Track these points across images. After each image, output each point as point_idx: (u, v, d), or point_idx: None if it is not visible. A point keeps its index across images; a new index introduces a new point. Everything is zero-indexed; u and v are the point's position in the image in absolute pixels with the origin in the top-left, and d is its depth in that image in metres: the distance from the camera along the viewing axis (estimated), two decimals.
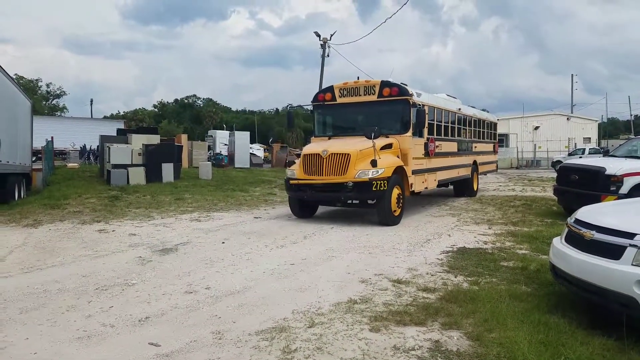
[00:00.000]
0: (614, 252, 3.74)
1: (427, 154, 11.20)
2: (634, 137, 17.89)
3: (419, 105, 10.34)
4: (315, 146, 10.01)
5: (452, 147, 13.24)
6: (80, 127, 36.29)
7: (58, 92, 68.62)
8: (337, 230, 8.85)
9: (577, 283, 4.03)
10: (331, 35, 29.64)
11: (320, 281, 5.51)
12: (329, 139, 10.72)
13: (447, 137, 12.83)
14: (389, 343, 3.76)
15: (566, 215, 7.59)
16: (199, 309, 4.59)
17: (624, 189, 8.68)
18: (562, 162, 21.22)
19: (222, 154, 31.67)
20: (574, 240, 4.26)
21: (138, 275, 5.78)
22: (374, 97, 10.40)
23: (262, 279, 5.63)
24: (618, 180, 8.78)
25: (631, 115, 59.99)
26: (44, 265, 6.32)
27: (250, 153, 32.62)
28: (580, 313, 4.21)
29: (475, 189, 15.38)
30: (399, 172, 9.68)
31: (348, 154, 9.17)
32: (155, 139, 19.27)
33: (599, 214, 4.52)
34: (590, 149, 35.74)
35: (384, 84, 10.36)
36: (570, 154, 35.33)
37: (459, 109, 14.19)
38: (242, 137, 31.54)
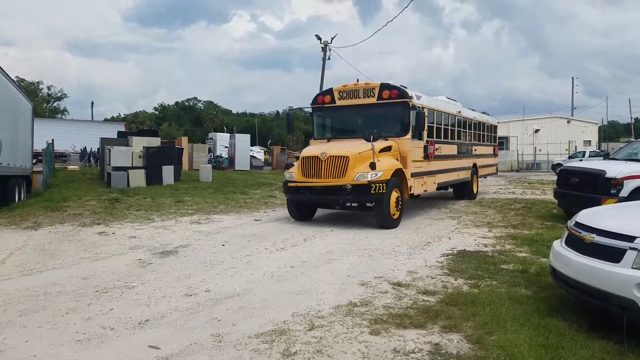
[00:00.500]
0: (614, 255, 3.73)
1: (427, 156, 11.15)
2: (634, 140, 17.91)
3: (419, 107, 10.31)
4: (314, 149, 9.99)
5: (451, 149, 13.23)
6: (81, 130, 36.34)
7: (59, 94, 68.82)
8: (337, 233, 8.85)
9: (578, 286, 4.03)
10: (332, 39, 29.76)
11: (320, 284, 5.50)
12: (328, 141, 10.67)
13: (446, 140, 12.78)
14: (389, 346, 3.75)
15: (566, 218, 7.56)
16: (198, 312, 4.59)
17: (624, 192, 8.68)
18: (562, 165, 21.23)
19: (222, 157, 31.71)
20: (574, 243, 4.26)
21: (138, 278, 5.78)
22: (373, 100, 10.37)
23: (262, 282, 5.62)
24: (618, 183, 8.79)
25: (631, 118, 60.12)
26: (43, 267, 6.32)
27: (251, 156, 32.65)
28: (581, 316, 4.20)
29: (475, 191, 15.35)
30: (398, 175, 9.64)
31: (347, 157, 9.14)
32: (155, 142, 19.30)
33: (599, 217, 4.52)
34: (590, 152, 35.72)
35: (384, 86, 10.34)
36: (570, 157, 35.32)
37: (459, 112, 14.14)
38: (243, 139, 31.57)
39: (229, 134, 39.33)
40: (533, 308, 4.48)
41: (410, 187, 10.23)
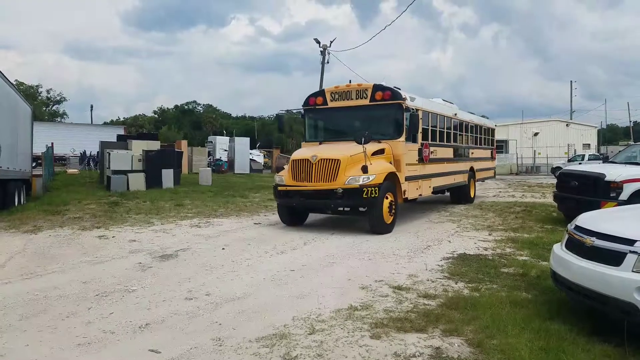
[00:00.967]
0: (615, 259, 3.74)
1: (422, 160, 10.95)
2: (633, 143, 17.94)
3: (412, 109, 10.08)
4: (305, 151, 9.77)
5: (447, 153, 13.01)
6: (80, 133, 36.38)
7: (58, 98, 68.87)
8: (337, 237, 8.85)
9: (578, 289, 4.03)
10: (331, 42, 29.79)
11: (321, 287, 5.50)
12: (320, 144, 10.45)
13: (442, 143, 12.57)
14: (390, 350, 3.75)
15: (566, 222, 7.59)
16: (199, 316, 4.59)
17: (624, 196, 8.69)
18: (561, 168, 21.24)
19: (222, 160, 31.72)
20: (575, 246, 4.26)
21: (138, 282, 5.77)
22: (366, 101, 10.14)
23: (262, 286, 5.62)
24: (618, 186, 8.79)
25: (630, 121, 60.15)
26: (43, 271, 6.31)
27: (250, 159, 32.68)
28: (581, 320, 4.20)
29: (472, 196, 15.11)
30: (392, 178, 9.42)
31: (338, 160, 8.90)
32: (155, 145, 19.33)
33: (599, 220, 4.53)
34: (589, 155, 35.76)
35: (377, 87, 10.11)
36: (569, 160, 35.36)
37: (455, 114, 13.92)
38: (242, 143, 31.59)
39: (228, 138, 39.37)
40: (534, 312, 4.48)
41: (405, 191, 10.00)
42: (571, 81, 61.75)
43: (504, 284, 5.55)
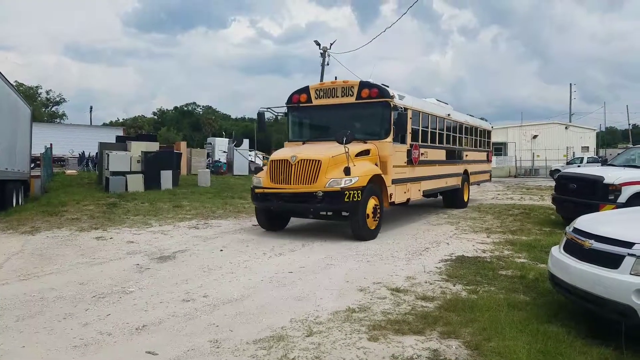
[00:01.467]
0: (613, 261, 3.74)
1: (411, 161, 10.46)
2: (632, 146, 17.96)
3: (401, 108, 9.59)
4: (285, 151, 9.30)
5: (439, 155, 12.53)
6: (80, 134, 36.35)
7: (58, 99, 68.81)
8: (335, 238, 8.84)
9: (576, 292, 4.03)
10: (331, 44, 29.77)
11: (319, 289, 5.49)
12: (304, 143, 9.97)
13: (434, 144, 12.08)
14: (388, 352, 3.74)
15: (564, 224, 7.59)
16: (196, 317, 4.58)
17: (622, 198, 8.70)
18: (560, 170, 21.26)
19: (220, 162, 31.70)
20: (573, 249, 4.26)
21: (136, 283, 5.76)
22: (352, 99, 9.65)
23: (260, 287, 5.61)
24: (616, 189, 8.80)
25: (629, 124, 60.24)
26: (41, 272, 6.30)
27: (249, 160, 32.66)
28: (579, 322, 4.20)
29: (465, 200, 14.58)
30: (377, 181, 8.92)
31: (319, 161, 8.36)
32: (154, 147, 19.31)
33: (598, 223, 4.52)
34: (588, 158, 35.81)
35: (363, 84, 9.62)
36: (568, 163, 35.40)
37: (448, 115, 13.39)
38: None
39: (227, 139, 39.35)
40: (531, 314, 4.48)
41: (391, 195, 9.49)
42: (570, 84, 61.82)
43: (502, 286, 5.55)
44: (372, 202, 8.65)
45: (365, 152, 9.14)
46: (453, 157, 13.60)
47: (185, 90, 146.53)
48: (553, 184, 12.11)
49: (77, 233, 9.09)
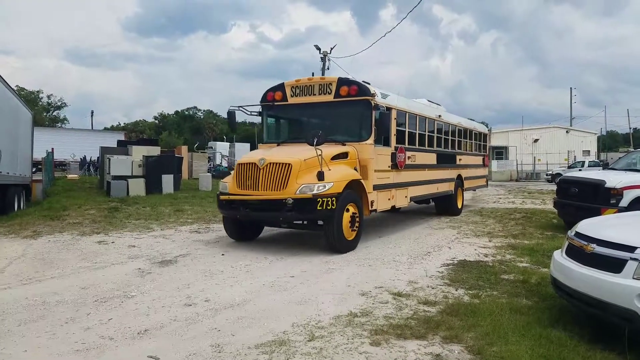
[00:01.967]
0: (615, 266, 3.73)
1: (396, 165, 9.67)
2: (633, 150, 17.96)
3: (383, 107, 8.77)
4: (253, 154, 8.56)
5: (429, 158, 11.74)
6: (81, 139, 36.45)
7: (59, 103, 69.04)
8: None
9: (578, 296, 4.02)
10: (331, 49, 29.81)
11: (321, 294, 5.48)
12: (278, 145, 9.25)
13: (423, 147, 11.28)
14: (390, 357, 3.74)
15: (566, 228, 7.59)
16: (198, 322, 4.57)
17: (624, 202, 8.69)
18: (561, 174, 21.25)
19: (222, 166, 31.75)
20: (575, 253, 4.26)
21: (137, 288, 5.76)
22: (330, 97, 8.84)
23: (261, 292, 5.61)
24: (618, 193, 8.80)
25: (630, 128, 60.24)
26: (42, 277, 6.30)
27: None
28: (582, 327, 4.19)
29: (459, 206, 13.69)
30: (356, 187, 8.17)
31: (289, 164, 7.59)
32: (155, 151, 19.35)
33: (600, 227, 4.53)
34: (589, 161, 35.79)
35: (342, 81, 8.88)
36: (569, 167, 35.38)
37: (439, 116, 12.54)
38: (242, 148, 31.59)
39: (228, 143, 39.40)
40: (534, 318, 4.47)
41: (372, 202, 8.68)
42: (571, 88, 62.05)
43: (504, 290, 5.54)
44: (349, 210, 7.93)
45: (343, 155, 8.36)
46: (445, 161, 12.82)
47: (186, 94, 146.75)
48: (554, 187, 12.08)
49: (78, 237, 9.09)
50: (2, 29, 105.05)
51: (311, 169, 7.66)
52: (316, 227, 8.04)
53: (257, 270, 6.68)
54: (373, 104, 8.65)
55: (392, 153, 9.58)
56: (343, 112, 9.06)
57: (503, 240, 9.02)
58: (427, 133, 11.59)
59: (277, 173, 7.63)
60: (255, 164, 7.83)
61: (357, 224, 8.14)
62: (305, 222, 8.10)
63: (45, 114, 63.95)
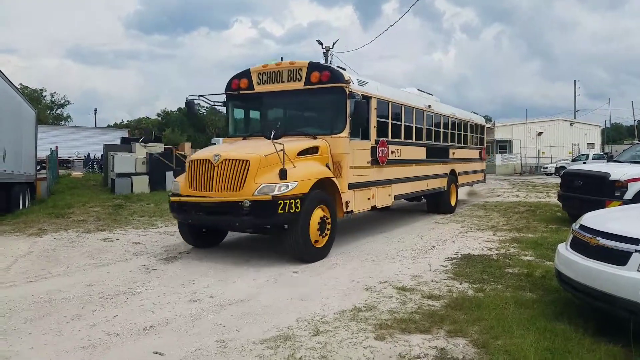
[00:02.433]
0: (620, 258, 3.72)
1: (376, 161, 8.61)
2: (637, 142, 17.86)
3: (359, 96, 7.76)
4: (209, 150, 7.59)
5: (418, 153, 10.74)
6: (84, 136, 36.61)
7: (62, 101, 69.08)
8: (340, 238, 8.79)
9: (583, 289, 4.01)
10: (333, 44, 29.65)
11: (325, 289, 5.49)
12: (244, 139, 8.26)
13: (409, 141, 10.26)
14: (395, 351, 3.74)
15: (571, 221, 7.55)
16: (203, 318, 4.59)
17: (629, 195, 8.65)
18: (565, 167, 21.17)
19: None
20: (579, 246, 4.25)
21: (142, 284, 5.78)
22: (300, 85, 7.87)
23: (265, 287, 5.62)
24: (622, 185, 8.76)
25: (635, 120, 59.85)
26: (48, 274, 6.33)
27: None
28: (587, 320, 4.18)
29: (453, 204, 12.67)
30: (327, 186, 7.23)
31: (246, 161, 6.59)
32: (159, 148, 19.38)
33: (604, 219, 4.51)
34: (594, 154, 35.62)
35: (312, 66, 7.87)
36: (574, 160, 35.22)
37: (429, 106, 11.40)
38: None
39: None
40: (539, 312, 4.47)
41: (347, 203, 7.68)
42: (575, 80, 61.64)
43: (508, 284, 5.53)
44: (317, 214, 6.92)
45: (312, 150, 7.35)
46: (436, 155, 11.76)
47: (188, 91, 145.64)
48: (558, 181, 12.03)
49: (83, 235, 9.14)
50: (4, 29, 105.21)
51: (273, 166, 6.65)
52: (282, 230, 6.85)
53: (260, 266, 6.70)
54: (347, 92, 7.61)
55: (372, 147, 8.55)
56: (314, 101, 8.17)
57: (507, 234, 9.01)
58: (414, 125, 10.56)
59: (233, 171, 6.62)
60: (209, 160, 6.79)
61: (328, 229, 7.16)
62: (267, 227, 7.01)
63: (48, 112, 64.11)
